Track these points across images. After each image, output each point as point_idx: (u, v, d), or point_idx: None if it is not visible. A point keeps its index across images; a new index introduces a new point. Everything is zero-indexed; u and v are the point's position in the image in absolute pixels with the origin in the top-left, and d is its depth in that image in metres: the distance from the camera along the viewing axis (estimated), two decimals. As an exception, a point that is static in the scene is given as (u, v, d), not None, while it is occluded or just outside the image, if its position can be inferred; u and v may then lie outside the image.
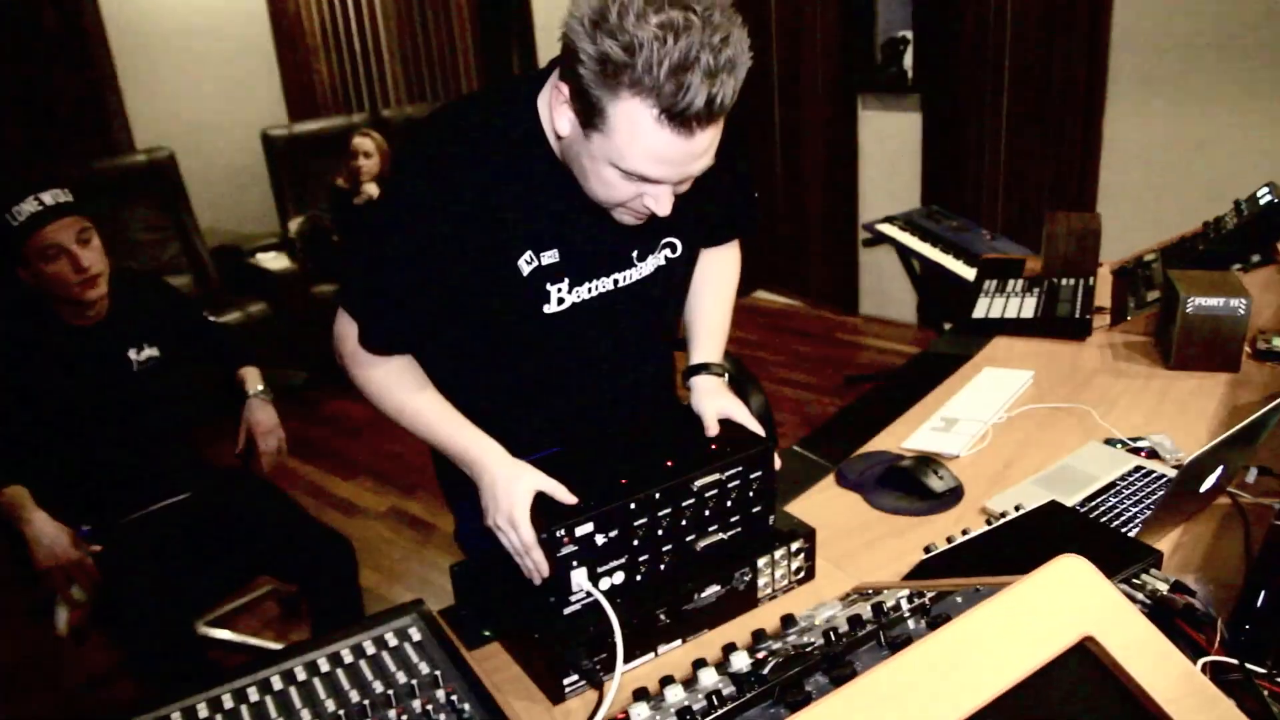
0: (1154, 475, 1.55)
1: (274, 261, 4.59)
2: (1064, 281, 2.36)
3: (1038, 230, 2.54)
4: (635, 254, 1.39)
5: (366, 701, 1.11)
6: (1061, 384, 1.95)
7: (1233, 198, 2.47)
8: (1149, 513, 1.44)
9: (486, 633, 1.32)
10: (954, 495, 1.57)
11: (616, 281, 1.39)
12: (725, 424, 1.37)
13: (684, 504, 1.25)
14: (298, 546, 2.33)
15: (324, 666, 1.18)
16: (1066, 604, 0.95)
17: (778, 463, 1.34)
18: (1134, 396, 1.87)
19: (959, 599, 1.10)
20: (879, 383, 4.28)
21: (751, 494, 1.31)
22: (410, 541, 3.37)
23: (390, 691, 1.12)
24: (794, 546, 1.34)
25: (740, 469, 1.29)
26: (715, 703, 1.04)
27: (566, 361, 1.45)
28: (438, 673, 1.15)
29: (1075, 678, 0.92)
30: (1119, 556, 1.27)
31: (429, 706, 1.10)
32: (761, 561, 1.31)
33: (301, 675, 1.17)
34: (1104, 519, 1.45)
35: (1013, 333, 2.22)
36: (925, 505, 1.56)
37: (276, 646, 2.63)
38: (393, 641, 1.22)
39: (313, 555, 2.33)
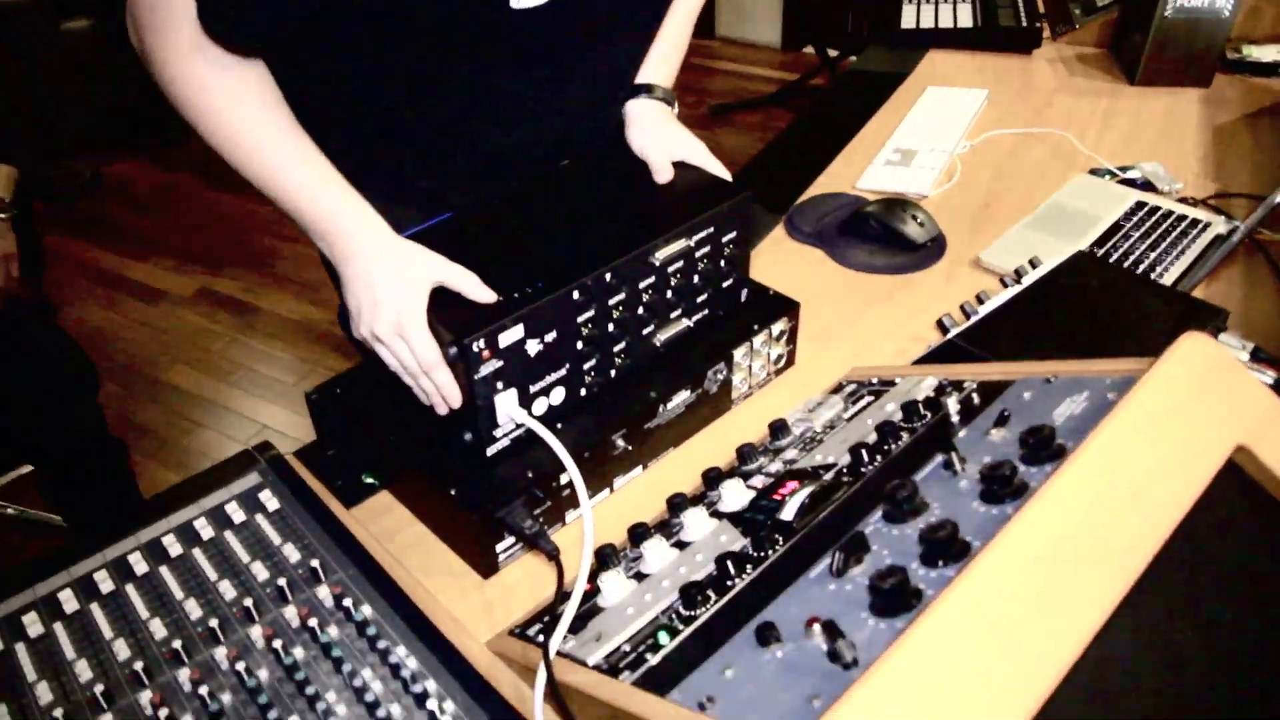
0: (1161, 212, 1.29)
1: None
2: (998, -16, 2.01)
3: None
4: None
5: (213, 622, 0.74)
6: (1019, 104, 1.65)
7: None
8: (1189, 263, 1.19)
9: (370, 479, 0.96)
10: (937, 246, 1.27)
11: None
12: (681, 168, 0.99)
13: (642, 285, 0.88)
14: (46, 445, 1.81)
15: (139, 567, 0.80)
16: (1207, 404, 0.68)
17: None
18: (1105, 118, 1.59)
19: (1025, 394, 0.81)
20: (748, 110, 3.92)
21: (723, 263, 0.96)
22: (230, 329, 2.87)
23: (247, 602, 0.75)
24: (776, 329, 1.01)
25: (711, 230, 0.92)
26: (729, 567, 0.73)
27: (516, 88, 0.97)
28: (314, 562, 0.78)
29: (1230, 504, 0.66)
30: (1185, 320, 1.00)
31: (311, 620, 0.74)
32: (739, 353, 0.98)
33: (107, 585, 0.78)
34: (1133, 267, 1.18)
35: (949, 45, 1.88)
36: (905, 259, 1.25)
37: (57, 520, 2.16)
38: (238, 516, 0.84)
39: (69, 463, 1.82)
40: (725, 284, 0.98)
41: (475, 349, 0.77)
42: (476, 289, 0.79)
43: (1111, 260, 1.19)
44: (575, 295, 0.82)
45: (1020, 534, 0.59)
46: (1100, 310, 1.03)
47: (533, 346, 0.81)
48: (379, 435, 0.91)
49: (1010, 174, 1.44)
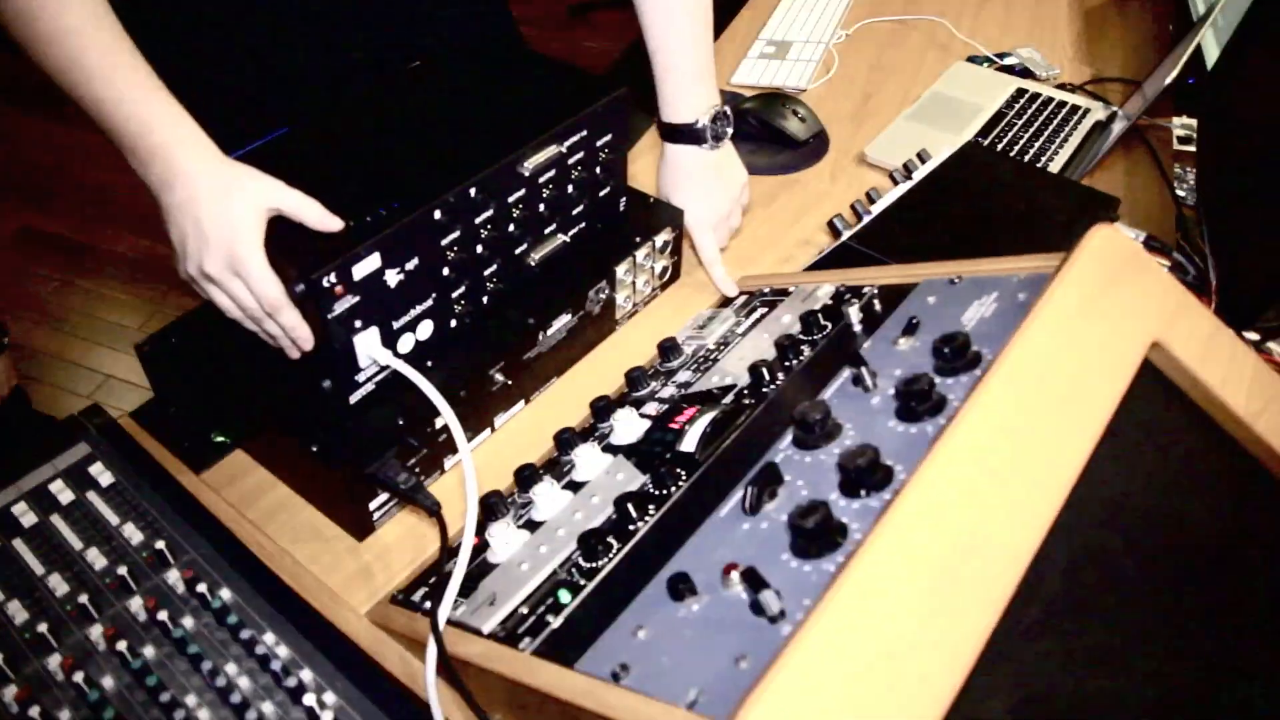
0: (1042, 99, 1.26)
1: None
2: None
3: None
4: None
5: (42, 627, 0.63)
6: (890, -11, 1.58)
7: None
8: (1072, 151, 1.16)
9: (220, 438, 0.85)
10: (820, 142, 1.21)
11: None
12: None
13: (511, 199, 0.79)
14: None
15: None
16: (1121, 299, 0.65)
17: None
18: (980, 3, 1.54)
19: (929, 298, 0.76)
20: (612, 7, 3.76)
21: (599, 170, 0.87)
22: (60, 271, 2.61)
23: (83, 598, 0.65)
24: (659, 240, 0.93)
25: (584, 134, 0.83)
26: (630, 510, 0.66)
27: None
28: (160, 543, 0.68)
29: (1150, 404, 0.63)
30: (1080, 210, 0.97)
31: (161, 612, 0.64)
32: (621, 268, 0.90)
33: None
34: (1019, 155, 1.15)
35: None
36: (788, 158, 1.18)
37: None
38: (65, 496, 0.72)
39: None
40: (602, 193, 0.89)
41: (326, 285, 0.66)
42: (320, 215, 0.68)
43: (996, 149, 1.15)
44: (437, 215, 0.72)
45: (948, 456, 0.54)
46: (995, 203, 0.99)
47: (392, 277, 0.71)
48: (226, 387, 0.80)
49: (889, 65, 1.38)
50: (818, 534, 0.54)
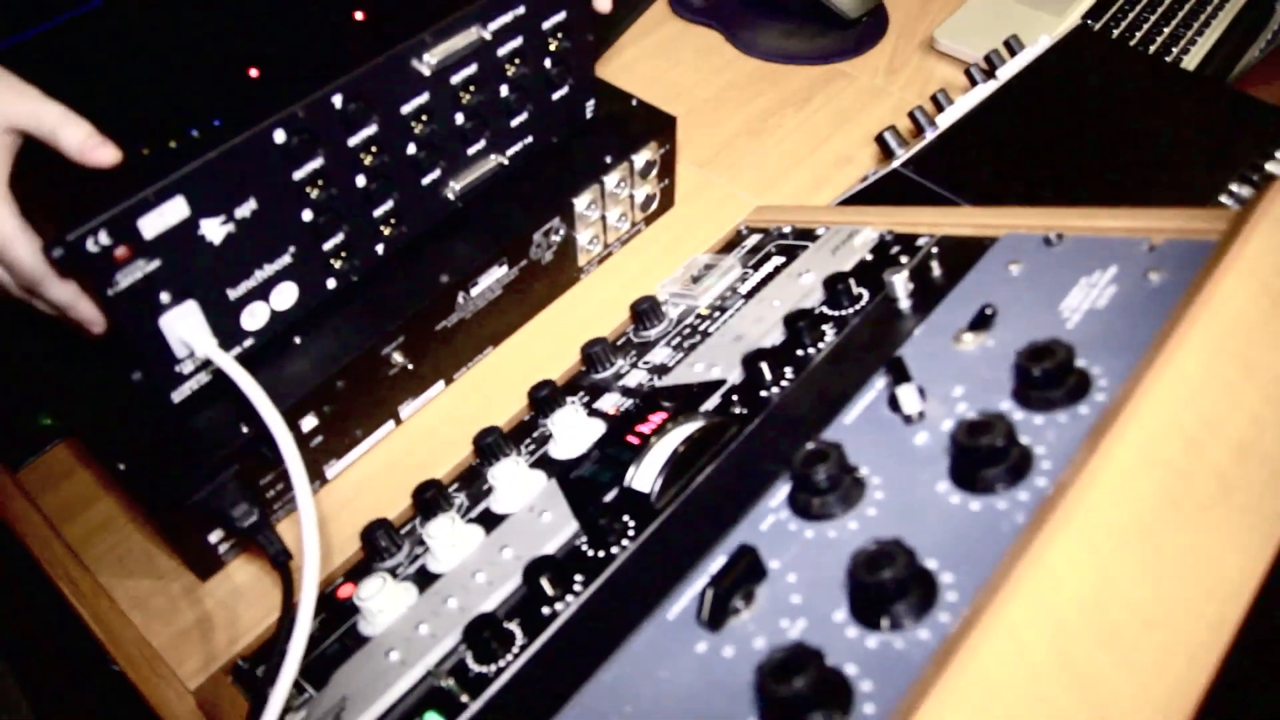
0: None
1: None
2: None
3: None
4: None
5: None
6: None
7: None
8: (1214, 40, 0.88)
9: (48, 420, 0.65)
10: (876, 21, 0.94)
11: None
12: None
13: (408, 109, 0.56)
14: None
15: None
16: None
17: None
18: None
19: (1011, 265, 0.53)
20: None
21: (550, 64, 0.63)
22: None
23: None
24: (639, 160, 0.70)
25: (521, 11, 0.59)
26: (543, 586, 0.46)
27: None
28: None
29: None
30: (1240, 134, 0.71)
31: None
32: (582, 200, 0.67)
33: None
34: (1143, 45, 0.88)
35: None
36: (830, 41, 0.92)
37: None
38: None
39: None
40: (556, 95, 0.65)
41: (95, 247, 0.45)
42: (79, 140, 0.46)
43: (1113, 37, 0.88)
44: (279, 137, 0.50)
45: (1030, 591, 0.32)
46: (1115, 119, 0.73)
47: (214, 229, 0.49)
48: (47, 351, 0.60)
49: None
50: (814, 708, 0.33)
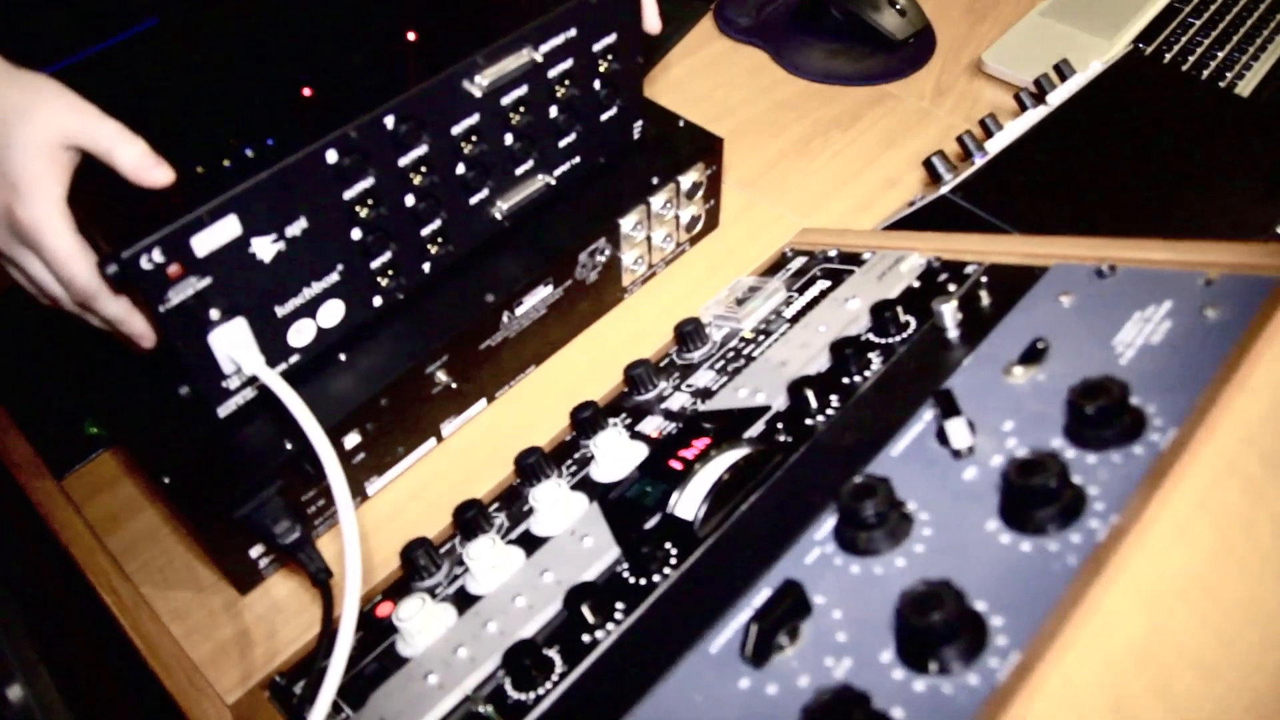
0: (1230, -22, 0.95)
1: None
2: None
3: None
4: None
5: None
6: None
7: None
8: (1271, 64, 0.87)
9: (94, 429, 0.66)
10: (923, 42, 0.94)
11: None
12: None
13: (458, 130, 0.56)
14: None
15: None
16: None
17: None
18: None
19: (1062, 297, 0.52)
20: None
21: (599, 85, 0.64)
22: None
23: None
24: (686, 181, 0.70)
25: (573, 35, 0.59)
26: (586, 614, 0.46)
27: None
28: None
29: None
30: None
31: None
32: (629, 221, 0.67)
33: None
34: (1196, 70, 0.86)
35: None
36: (878, 63, 0.92)
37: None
38: None
39: None
40: (605, 117, 0.66)
41: (149, 264, 0.46)
42: (135, 160, 0.47)
43: (1165, 62, 0.86)
44: (331, 157, 0.51)
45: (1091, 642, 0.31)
46: (1168, 147, 0.72)
47: (265, 248, 0.50)
48: (95, 360, 0.61)
49: (1022, -65, 1.09)
50: None
